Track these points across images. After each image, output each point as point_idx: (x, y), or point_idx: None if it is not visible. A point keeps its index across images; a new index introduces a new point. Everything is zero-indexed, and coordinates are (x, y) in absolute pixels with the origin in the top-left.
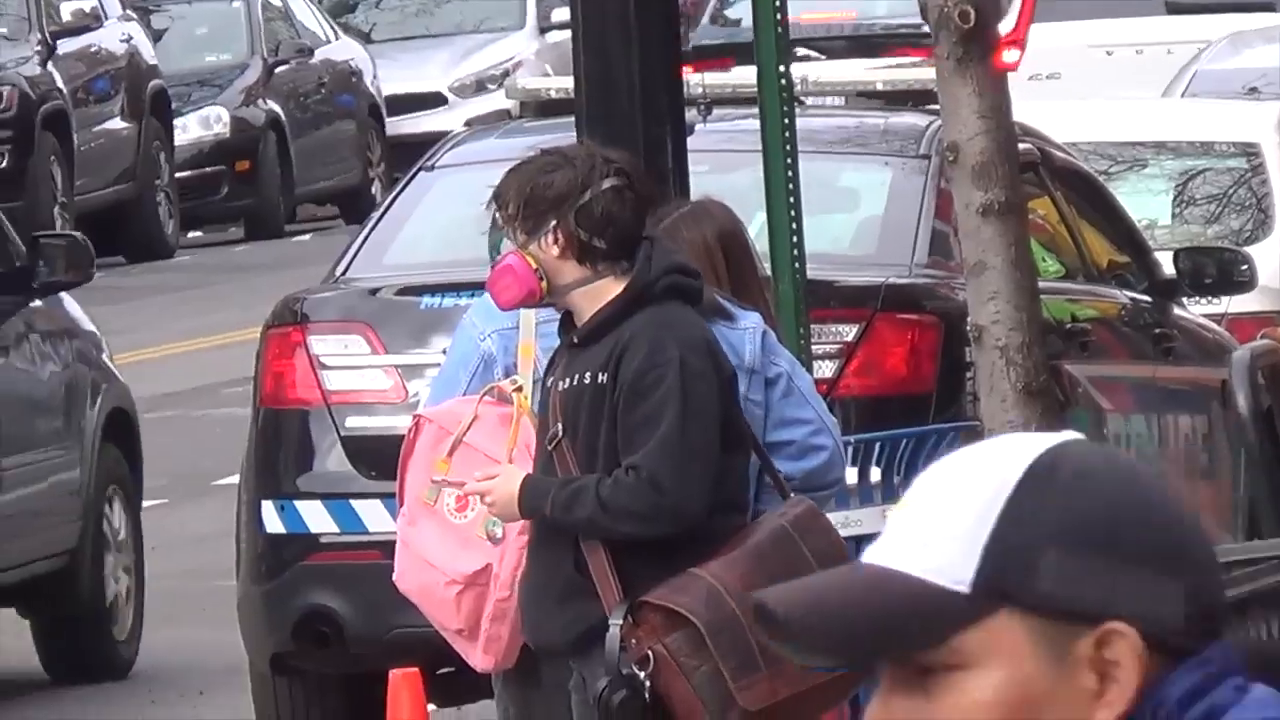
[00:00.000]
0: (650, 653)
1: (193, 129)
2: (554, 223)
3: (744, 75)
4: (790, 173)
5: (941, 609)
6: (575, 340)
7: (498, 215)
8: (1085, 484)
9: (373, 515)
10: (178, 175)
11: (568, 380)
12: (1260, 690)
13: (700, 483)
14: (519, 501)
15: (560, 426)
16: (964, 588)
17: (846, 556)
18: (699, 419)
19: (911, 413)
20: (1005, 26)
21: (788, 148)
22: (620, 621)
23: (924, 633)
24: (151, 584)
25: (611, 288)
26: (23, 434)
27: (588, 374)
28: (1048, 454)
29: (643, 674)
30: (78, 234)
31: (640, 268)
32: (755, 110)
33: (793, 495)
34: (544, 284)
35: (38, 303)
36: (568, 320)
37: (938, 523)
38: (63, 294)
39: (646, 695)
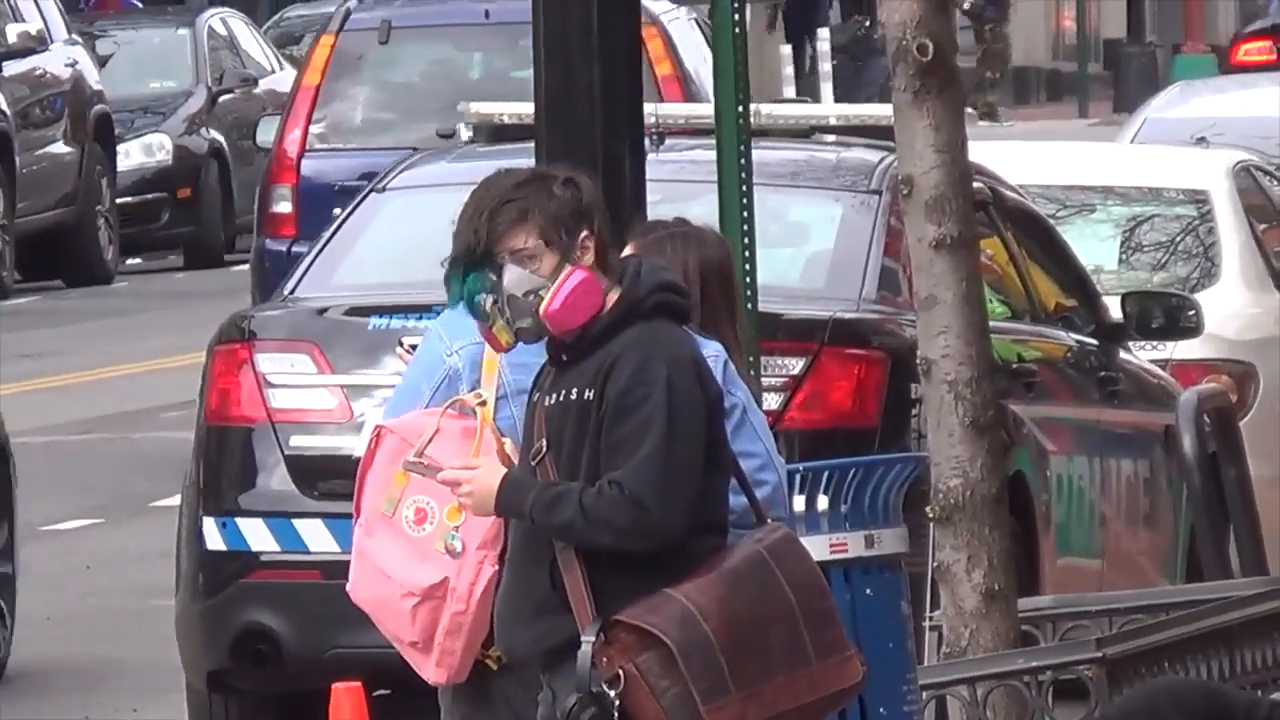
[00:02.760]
0: (621, 671)
1: (135, 155)
2: (584, 234)
3: (697, 107)
4: (745, 206)
5: None
6: (565, 357)
7: (508, 253)
8: None
9: (314, 535)
10: (119, 201)
11: (554, 396)
12: None
13: (682, 503)
14: (497, 497)
15: (544, 442)
16: None
17: (823, 585)
18: (683, 439)
19: (856, 447)
20: None
21: (743, 181)
22: (592, 639)
23: None
24: (86, 602)
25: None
26: None
27: (574, 390)
28: None
29: (613, 693)
30: None
31: (630, 283)
32: (705, 142)
33: (770, 520)
34: None
35: None
36: (554, 337)
37: None
38: None
39: (615, 714)
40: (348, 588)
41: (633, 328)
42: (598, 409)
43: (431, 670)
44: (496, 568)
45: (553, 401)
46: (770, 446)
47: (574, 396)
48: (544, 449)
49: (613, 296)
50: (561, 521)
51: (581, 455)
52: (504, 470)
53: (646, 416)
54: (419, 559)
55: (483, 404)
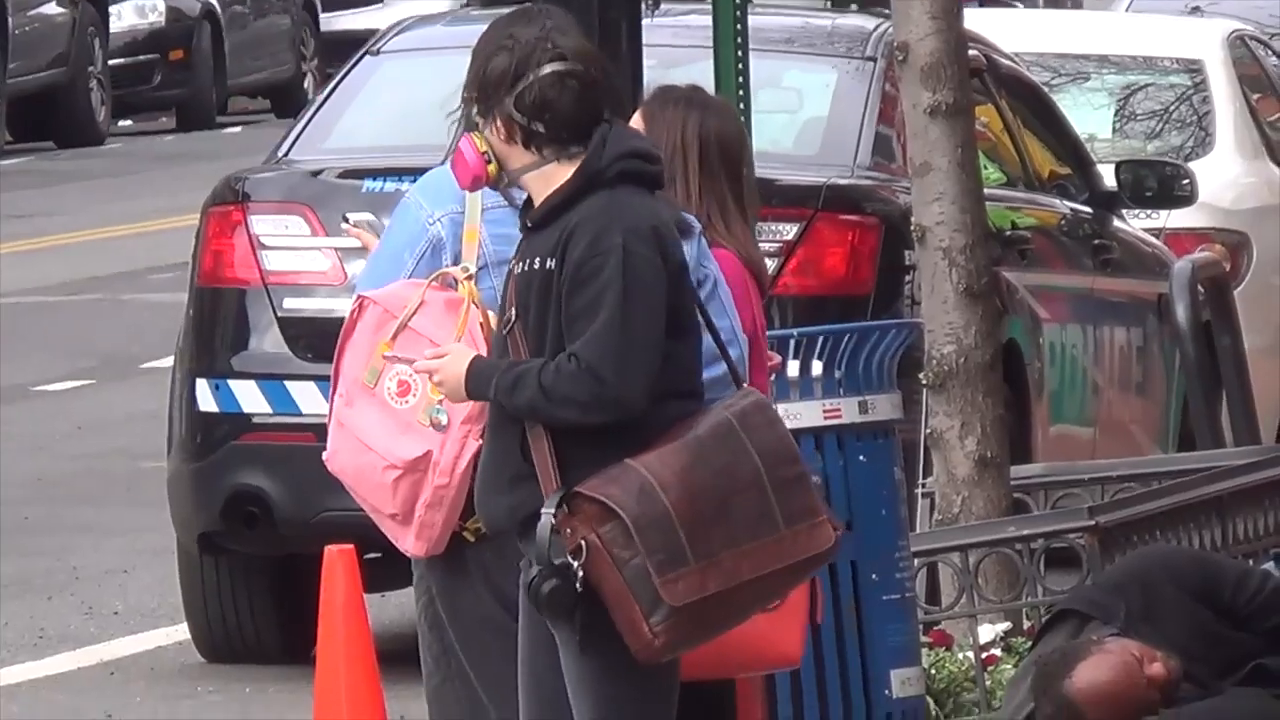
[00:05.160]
0: (584, 542)
1: (128, 16)
2: (496, 106)
3: None
4: (741, 71)
5: None
6: (529, 224)
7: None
8: None
9: (306, 397)
10: (111, 62)
11: (522, 264)
12: None
13: (642, 372)
14: (465, 382)
15: (514, 311)
16: None
17: (794, 451)
18: (640, 307)
19: (849, 313)
20: None
21: (739, 47)
22: (552, 510)
23: None
24: (77, 464)
25: (561, 172)
26: None
27: (538, 259)
28: None
29: (576, 563)
30: None
31: (592, 152)
32: (701, 6)
33: (744, 385)
34: (492, 167)
35: None
36: (528, 205)
37: None
38: None
39: (578, 585)
40: (324, 456)
41: (593, 196)
42: (558, 278)
43: (410, 542)
44: (480, 442)
45: (520, 270)
46: (735, 324)
47: (537, 265)
48: (514, 318)
49: (572, 166)
50: (524, 402)
51: (547, 325)
52: (471, 355)
53: (601, 287)
54: (401, 431)
55: (470, 278)
